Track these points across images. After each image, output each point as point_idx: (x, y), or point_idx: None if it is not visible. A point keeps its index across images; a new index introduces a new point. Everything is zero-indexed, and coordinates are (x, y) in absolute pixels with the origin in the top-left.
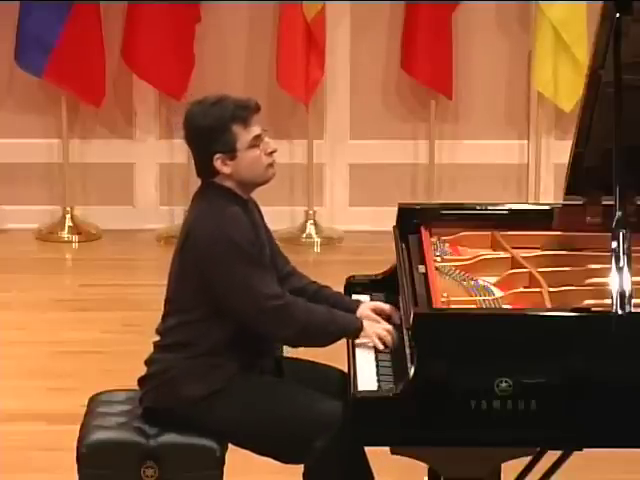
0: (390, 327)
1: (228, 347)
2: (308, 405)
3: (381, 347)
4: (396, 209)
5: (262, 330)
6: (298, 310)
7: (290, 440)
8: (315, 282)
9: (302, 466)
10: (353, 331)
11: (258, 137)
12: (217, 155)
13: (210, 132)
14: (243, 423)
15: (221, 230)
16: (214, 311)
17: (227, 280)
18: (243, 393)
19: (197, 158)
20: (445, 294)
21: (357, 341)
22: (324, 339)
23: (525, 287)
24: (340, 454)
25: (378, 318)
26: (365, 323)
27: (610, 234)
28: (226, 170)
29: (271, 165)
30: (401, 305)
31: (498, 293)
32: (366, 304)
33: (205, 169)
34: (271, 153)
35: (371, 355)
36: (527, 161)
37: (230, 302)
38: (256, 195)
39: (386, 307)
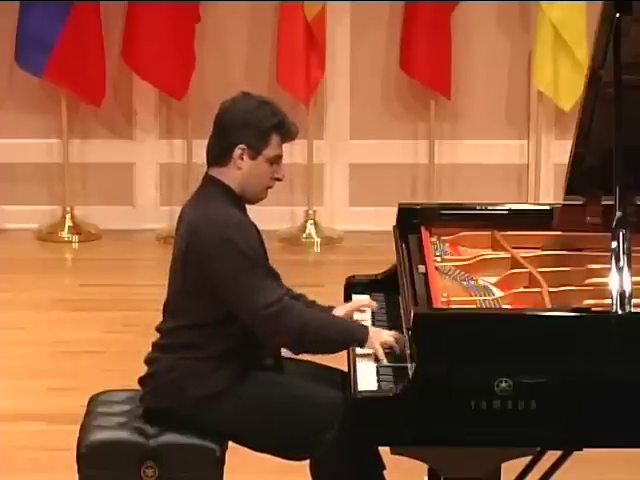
0: (396, 333)
1: (231, 350)
2: (310, 399)
3: (385, 362)
4: (396, 209)
5: (260, 335)
6: (295, 315)
7: (293, 436)
8: (303, 295)
9: (302, 465)
10: (356, 340)
11: (279, 158)
12: (242, 145)
13: (251, 123)
14: (245, 421)
15: (227, 236)
16: (217, 316)
17: (229, 285)
18: (244, 392)
19: (218, 141)
20: (445, 294)
21: (359, 351)
22: (325, 346)
23: (525, 287)
24: (351, 446)
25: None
26: (371, 332)
27: (610, 234)
28: (240, 164)
29: (269, 188)
30: (401, 305)
31: (498, 293)
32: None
33: (220, 154)
34: (276, 179)
35: (371, 355)
36: (527, 161)
37: (230, 307)
38: None
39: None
